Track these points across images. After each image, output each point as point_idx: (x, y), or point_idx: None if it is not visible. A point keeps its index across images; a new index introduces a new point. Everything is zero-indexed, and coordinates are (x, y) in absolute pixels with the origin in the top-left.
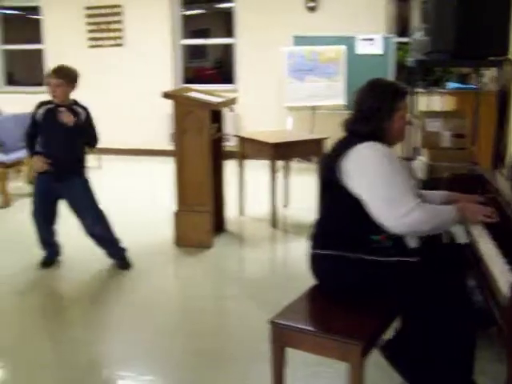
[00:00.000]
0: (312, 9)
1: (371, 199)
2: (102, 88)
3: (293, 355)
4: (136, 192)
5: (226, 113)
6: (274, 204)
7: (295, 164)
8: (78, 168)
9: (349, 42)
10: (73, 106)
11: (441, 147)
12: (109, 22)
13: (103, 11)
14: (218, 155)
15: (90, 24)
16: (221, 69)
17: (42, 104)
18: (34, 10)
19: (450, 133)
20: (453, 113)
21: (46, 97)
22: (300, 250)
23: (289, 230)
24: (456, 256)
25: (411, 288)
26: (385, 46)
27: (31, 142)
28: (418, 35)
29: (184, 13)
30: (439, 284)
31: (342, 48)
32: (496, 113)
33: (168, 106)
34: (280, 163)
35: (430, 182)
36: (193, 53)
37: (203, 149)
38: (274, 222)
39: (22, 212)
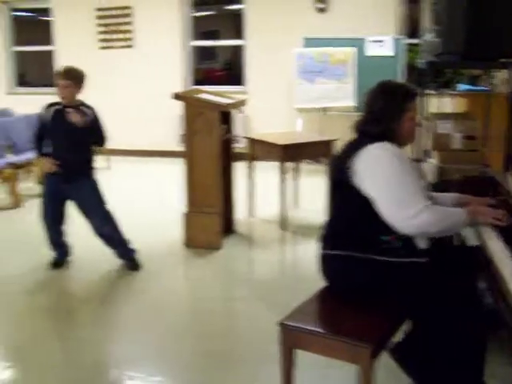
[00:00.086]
0: (322, 10)
1: (381, 199)
2: (112, 89)
3: (302, 357)
4: (145, 193)
5: (236, 114)
6: (284, 206)
7: (305, 166)
8: (87, 169)
9: (359, 43)
10: (80, 107)
11: (451, 149)
12: (119, 24)
13: (113, 13)
14: (228, 157)
15: (100, 25)
16: (230, 70)
17: (50, 105)
18: (45, 11)
19: (460, 135)
20: (464, 114)
21: (57, 98)
22: (309, 251)
23: (298, 232)
24: (467, 258)
25: (421, 289)
26: (395, 47)
27: (39, 144)
28: (428, 37)
29: (194, 14)
30: (449, 286)
31: (352, 50)
32: (507, 114)
33: (177, 107)
34: (290, 165)
35: (441, 185)
36: (202, 54)
37: (213, 150)
38: (283, 223)
39: (32, 213)
